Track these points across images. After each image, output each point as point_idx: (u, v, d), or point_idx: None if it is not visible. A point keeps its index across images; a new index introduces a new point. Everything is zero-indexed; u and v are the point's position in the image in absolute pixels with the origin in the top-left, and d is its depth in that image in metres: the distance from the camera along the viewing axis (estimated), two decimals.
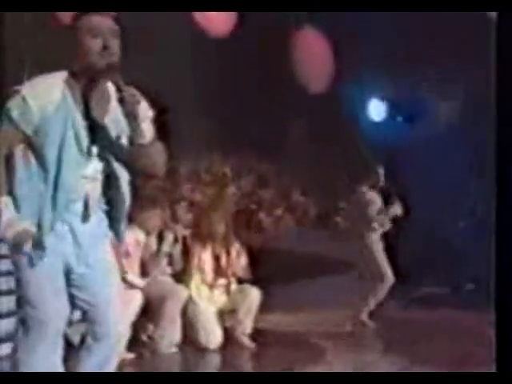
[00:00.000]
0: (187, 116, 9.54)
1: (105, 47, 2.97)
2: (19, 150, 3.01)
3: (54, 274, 3.02)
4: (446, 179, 9.92)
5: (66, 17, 7.10)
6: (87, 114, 3.03)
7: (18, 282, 3.07)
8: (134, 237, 5.91)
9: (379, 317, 7.32)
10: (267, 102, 10.34)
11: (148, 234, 6.09)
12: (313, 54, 9.38)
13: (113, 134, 3.08)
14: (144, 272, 6.01)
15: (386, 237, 7.56)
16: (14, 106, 2.95)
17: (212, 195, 8.65)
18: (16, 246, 2.93)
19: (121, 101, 2.94)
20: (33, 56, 7.85)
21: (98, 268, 3.12)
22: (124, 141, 3.08)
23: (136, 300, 5.69)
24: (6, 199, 2.97)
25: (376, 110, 11.03)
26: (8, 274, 5.23)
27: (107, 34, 2.98)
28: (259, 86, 10.31)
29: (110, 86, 3.08)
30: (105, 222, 3.17)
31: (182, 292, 6.07)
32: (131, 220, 5.72)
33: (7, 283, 5.46)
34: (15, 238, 2.91)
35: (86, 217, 3.07)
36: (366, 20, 9.43)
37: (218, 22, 8.20)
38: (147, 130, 3.05)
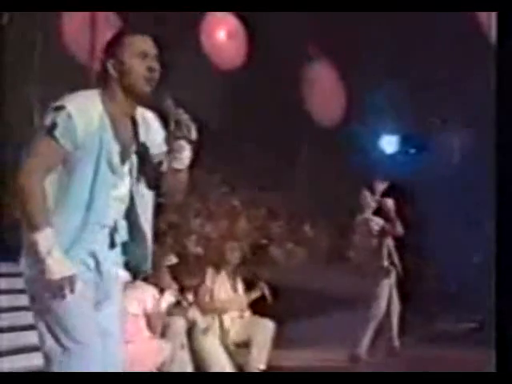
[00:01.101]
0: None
1: (151, 70, 2.91)
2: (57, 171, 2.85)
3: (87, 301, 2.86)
4: (459, 213, 9.85)
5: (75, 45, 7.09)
6: (120, 133, 2.92)
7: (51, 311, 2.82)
8: (152, 294, 5.76)
9: (398, 354, 7.32)
10: (276, 135, 10.35)
11: (161, 290, 5.88)
12: (324, 87, 9.39)
13: (149, 157, 2.99)
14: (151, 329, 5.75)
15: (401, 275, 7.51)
16: (59, 122, 2.78)
17: (222, 229, 8.64)
18: (58, 290, 2.73)
19: (177, 123, 2.86)
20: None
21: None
22: (162, 165, 2.98)
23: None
24: (50, 233, 2.75)
25: (387, 142, 11.03)
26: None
27: (153, 58, 2.93)
28: (268, 118, 10.34)
29: (145, 110, 3.02)
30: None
31: (178, 322, 5.93)
32: (146, 279, 5.61)
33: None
34: (60, 283, 2.71)
35: (112, 244, 2.92)
36: (375, 51, 9.51)
37: (229, 54, 8.19)
38: (187, 155, 2.95)
